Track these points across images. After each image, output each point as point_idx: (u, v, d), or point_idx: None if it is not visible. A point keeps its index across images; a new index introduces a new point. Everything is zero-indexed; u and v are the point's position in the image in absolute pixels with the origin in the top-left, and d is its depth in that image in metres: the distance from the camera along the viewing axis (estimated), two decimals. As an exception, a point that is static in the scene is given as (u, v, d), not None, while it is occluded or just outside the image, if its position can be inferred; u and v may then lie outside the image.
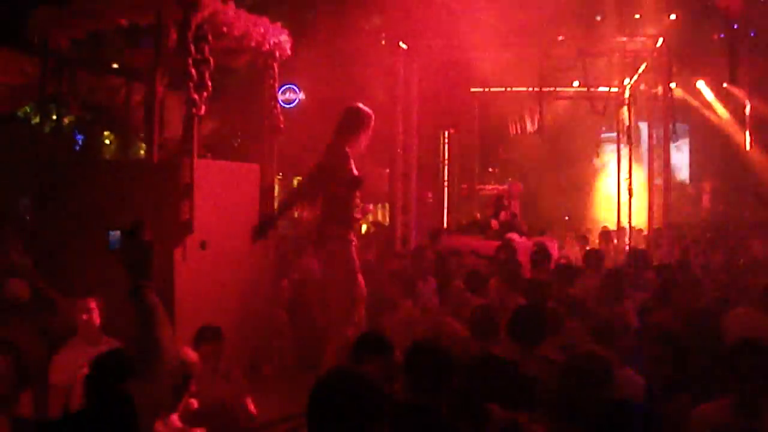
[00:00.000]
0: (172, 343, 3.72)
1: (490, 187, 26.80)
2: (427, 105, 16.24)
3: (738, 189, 29.70)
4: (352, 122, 9.66)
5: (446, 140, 21.07)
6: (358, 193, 9.77)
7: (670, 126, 14.60)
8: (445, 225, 19.32)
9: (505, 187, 19.32)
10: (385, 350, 5.71)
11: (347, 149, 9.43)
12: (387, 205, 17.85)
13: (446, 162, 20.89)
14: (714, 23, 26.67)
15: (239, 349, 8.87)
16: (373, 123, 9.81)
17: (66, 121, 17.62)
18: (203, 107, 8.43)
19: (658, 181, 15.53)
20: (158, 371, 3.56)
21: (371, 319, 9.64)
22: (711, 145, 30.43)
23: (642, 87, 16.36)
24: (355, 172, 9.55)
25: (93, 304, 7.31)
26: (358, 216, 9.74)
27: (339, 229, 9.38)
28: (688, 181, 31.15)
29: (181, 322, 7.97)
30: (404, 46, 14.96)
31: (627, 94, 17.98)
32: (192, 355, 6.73)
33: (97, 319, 7.33)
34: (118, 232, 3.78)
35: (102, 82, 17.62)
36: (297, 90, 22.60)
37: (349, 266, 9.26)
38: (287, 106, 21.79)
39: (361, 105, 9.80)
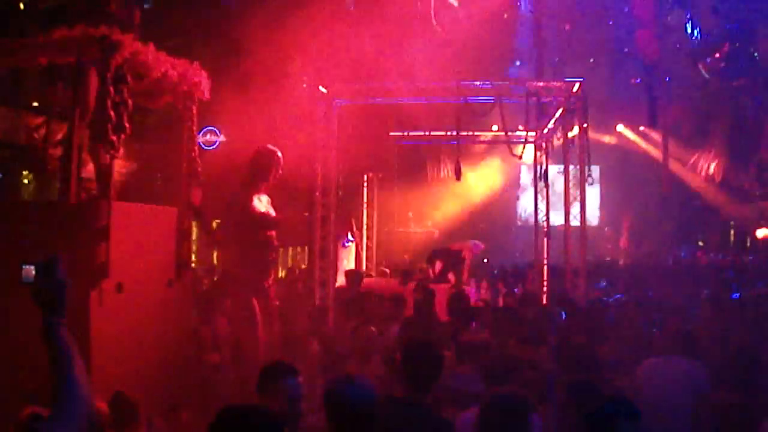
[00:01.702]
0: (88, 383, 3.67)
1: (412, 231, 27.06)
2: (347, 149, 16.31)
3: (655, 229, 30.30)
4: (259, 165, 9.99)
5: (366, 184, 21.15)
6: (272, 234, 9.94)
7: (586, 168, 14.82)
8: (364, 268, 19.34)
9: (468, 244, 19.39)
10: (288, 373, 5.70)
11: (253, 191, 9.76)
12: (306, 249, 17.85)
13: (365, 205, 20.94)
14: (630, 69, 27.31)
15: (157, 394, 8.79)
16: (277, 159, 10.07)
17: (-17, 158, 17.43)
18: (121, 149, 8.41)
19: (575, 222, 15.70)
20: (73, 411, 3.51)
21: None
22: (625, 186, 30.99)
23: (559, 131, 16.57)
24: (263, 210, 9.78)
25: None
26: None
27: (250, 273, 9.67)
28: (596, 223, 31.55)
29: (98, 366, 7.88)
30: (324, 90, 15.01)
31: (544, 138, 18.24)
32: (101, 404, 6.48)
33: None
34: (32, 267, 3.73)
35: (21, 120, 17.44)
36: (218, 132, 22.58)
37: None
38: (207, 148, 21.77)
39: (268, 146, 10.08)
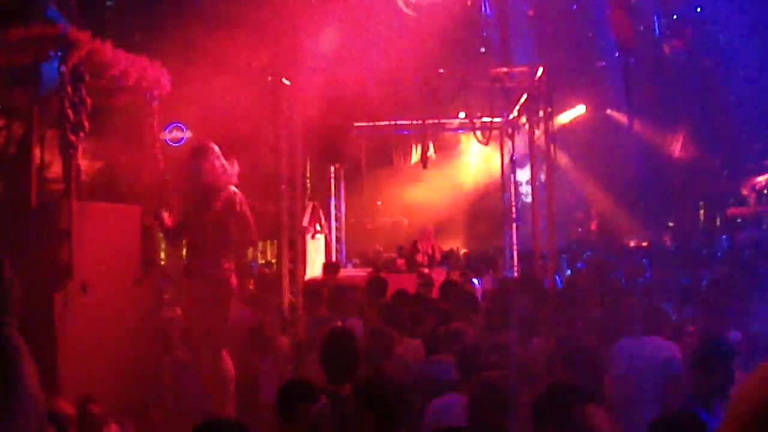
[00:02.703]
0: (36, 382, 3.63)
1: (381, 220, 27.04)
2: (313, 140, 16.27)
3: (625, 212, 30.39)
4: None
5: (333, 175, 21.10)
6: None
7: (551, 153, 14.86)
8: (334, 259, 19.31)
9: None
10: (309, 397, 5.55)
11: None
12: (275, 242, 17.78)
13: (333, 196, 20.89)
14: (593, 52, 27.36)
15: (127, 395, 8.75)
16: (210, 151, 9.96)
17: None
18: (80, 148, 8.34)
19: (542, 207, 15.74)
20: (22, 410, 3.47)
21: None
22: (595, 170, 31.03)
23: (524, 117, 16.61)
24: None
25: None
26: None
27: (220, 261, 9.57)
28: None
29: (65, 368, 7.84)
30: (287, 82, 14.95)
31: (510, 124, 18.25)
32: (67, 407, 6.37)
33: None
34: None
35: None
36: (183, 128, 22.48)
37: (224, 302, 9.49)
38: (174, 144, 21.69)
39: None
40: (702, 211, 31.71)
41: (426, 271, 15.76)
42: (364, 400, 5.23)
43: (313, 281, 15.08)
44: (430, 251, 18.65)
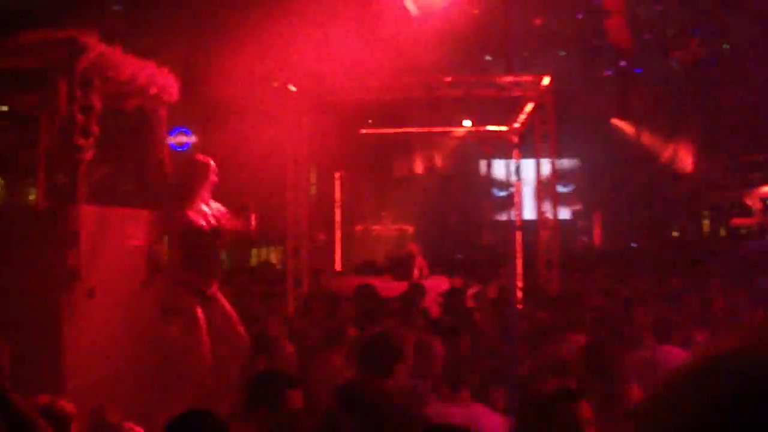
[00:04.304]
0: None
1: (385, 227, 27.04)
2: (318, 147, 16.26)
3: (630, 221, 30.46)
4: (190, 175, 9.75)
5: (338, 181, 21.09)
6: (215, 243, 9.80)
7: (557, 162, 14.89)
8: (338, 266, 19.31)
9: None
10: (294, 385, 5.38)
11: (188, 203, 9.52)
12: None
13: (338, 203, 20.86)
14: (602, 61, 27.44)
15: (133, 399, 8.73)
16: (209, 171, 9.78)
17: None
18: (89, 152, 8.34)
19: (548, 215, 15.77)
20: None
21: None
22: (601, 179, 31.10)
23: (530, 125, 16.61)
24: (201, 223, 9.58)
25: None
26: None
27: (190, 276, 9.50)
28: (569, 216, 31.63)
29: (72, 374, 7.84)
30: (293, 88, 14.94)
31: (515, 132, 18.24)
32: (68, 406, 6.28)
33: None
34: None
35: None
36: (188, 133, 22.52)
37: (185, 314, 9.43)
38: (179, 149, 21.71)
39: (198, 156, 9.89)
40: (707, 221, 31.73)
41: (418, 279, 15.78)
42: (343, 405, 5.23)
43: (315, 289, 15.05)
44: (417, 273, 18.43)
